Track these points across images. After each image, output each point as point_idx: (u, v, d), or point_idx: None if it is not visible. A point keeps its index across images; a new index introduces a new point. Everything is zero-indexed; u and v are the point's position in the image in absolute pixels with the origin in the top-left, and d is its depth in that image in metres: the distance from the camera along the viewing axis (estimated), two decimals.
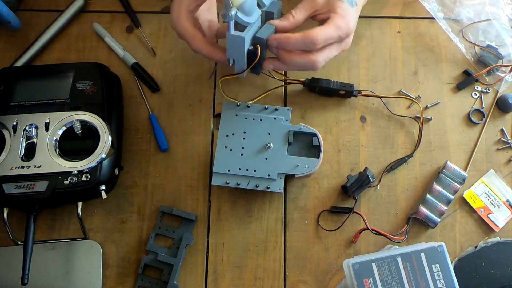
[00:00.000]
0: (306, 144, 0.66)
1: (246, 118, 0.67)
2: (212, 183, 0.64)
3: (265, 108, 0.68)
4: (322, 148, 0.65)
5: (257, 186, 0.64)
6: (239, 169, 0.64)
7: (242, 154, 0.65)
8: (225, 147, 0.66)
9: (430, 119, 0.74)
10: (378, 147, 0.73)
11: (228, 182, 0.64)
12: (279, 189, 0.64)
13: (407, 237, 0.68)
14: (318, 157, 0.65)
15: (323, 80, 0.73)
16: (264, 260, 0.67)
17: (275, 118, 0.67)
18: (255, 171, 0.64)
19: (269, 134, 0.66)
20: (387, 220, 0.69)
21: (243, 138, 0.66)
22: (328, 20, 0.61)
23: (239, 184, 0.64)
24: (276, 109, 0.68)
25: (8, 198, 0.61)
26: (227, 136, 0.66)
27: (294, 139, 0.66)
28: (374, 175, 0.68)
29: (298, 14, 0.63)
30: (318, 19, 0.64)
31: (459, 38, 0.77)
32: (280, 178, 0.64)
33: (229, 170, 0.64)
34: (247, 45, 0.60)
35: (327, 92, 0.74)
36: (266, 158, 0.65)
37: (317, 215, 0.69)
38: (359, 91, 0.73)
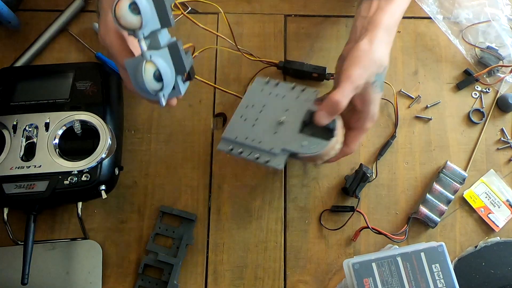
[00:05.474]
0: (321, 128, 0.60)
1: (270, 93, 0.66)
2: (218, 148, 0.63)
3: (292, 88, 0.65)
4: (336, 132, 0.59)
5: (257, 158, 0.61)
6: (246, 138, 0.62)
7: (253, 125, 0.63)
8: (241, 116, 0.65)
9: (430, 119, 0.74)
10: (378, 147, 0.73)
11: (232, 148, 0.62)
12: (279, 165, 0.59)
13: (407, 237, 0.68)
14: (328, 139, 0.59)
15: (296, 62, 0.74)
16: (264, 260, 0.67)
17: (297, 97, 0.64)
18: (260, 142, 0.62)
19: (286, 110, 0.63)
20: (387, 220, 0.69)
21: (260, 111, 0.65)
22: (359, 123, 0.61)
23: (241, 153, 0.62)
24: (303, 90, 0.64)
25: (8, 198, 0.61)
26: (246, 107, 0.65)
27: (311, 120, 0.61)
28: (369, 169, 0.68)
29: (344, 100, 0.55)
30: (352, 104, 0.59)
31: (459, 40, 0.77)
32: (284, 154, 0.60)
33: (236, 138, 0.63)
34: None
35: (301, 74, 0.74)
36: (275, 132, 0.62)
37: (317, 215, 0.69)
38: (332, 74, 0.74)
